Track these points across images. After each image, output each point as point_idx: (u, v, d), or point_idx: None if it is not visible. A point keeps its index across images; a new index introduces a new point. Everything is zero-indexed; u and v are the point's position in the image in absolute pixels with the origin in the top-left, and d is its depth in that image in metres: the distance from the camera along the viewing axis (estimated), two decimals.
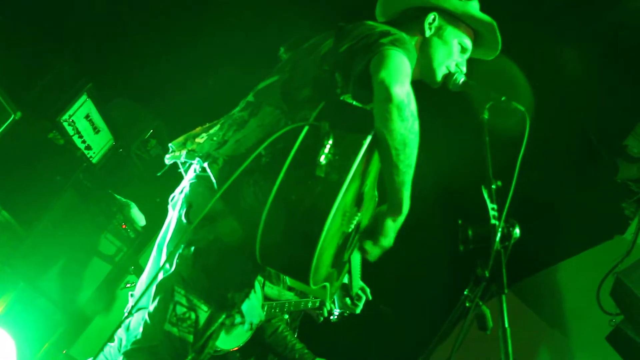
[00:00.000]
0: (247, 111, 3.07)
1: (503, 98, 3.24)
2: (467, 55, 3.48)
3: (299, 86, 2.99)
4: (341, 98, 3.00)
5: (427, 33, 3.39)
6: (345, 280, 3.65)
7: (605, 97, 6.27)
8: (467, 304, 2.87)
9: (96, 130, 5.73)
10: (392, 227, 3.00)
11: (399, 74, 2.78)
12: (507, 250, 3.00)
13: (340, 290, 3.87)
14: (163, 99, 6.35)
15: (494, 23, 3.43)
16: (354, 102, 3.03)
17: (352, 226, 2.96)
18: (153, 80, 6.26)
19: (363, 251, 3.04)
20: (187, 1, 6.07)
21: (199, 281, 2.91)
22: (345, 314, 4.10)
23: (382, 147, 2.83)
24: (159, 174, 3.04)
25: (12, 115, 4.71)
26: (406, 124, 2.78)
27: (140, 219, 6.16)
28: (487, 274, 2.89)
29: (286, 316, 6.07)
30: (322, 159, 2.64)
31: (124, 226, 6.01)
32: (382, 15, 3.51)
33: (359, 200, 2.96)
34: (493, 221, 2.99)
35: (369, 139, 2.76)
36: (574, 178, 6.64)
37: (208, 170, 2.96)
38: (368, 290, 3.99)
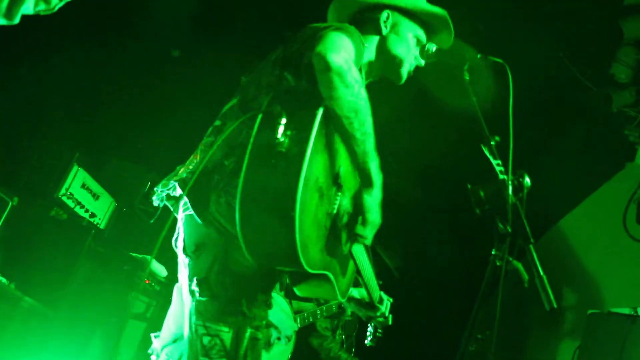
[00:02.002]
0: (214, 134, 3.10)
1: (479, 55, 3.24)
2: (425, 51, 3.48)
3: (255, 96, 3.01)
4: None
5: (384, 31, 3.41)
6: (357, 294, 3.71)
7: (577, 29, 6.25)
8: (498, 263, 2.86)
9: (96, 196, 5.74)
10: (370, 202, 2.95)
11: (334, 45, 2.81)
12: (522, 201, 3.00)
13: (361, 308, 3.90)
14: (152, 152, 6.36)
15: (446, 14, 3.45)
16: None
17: (335, 206, 2.95)
18: (139, 137, 6.27)
19: (356, 236, 3.02)
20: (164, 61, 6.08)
21: (209, 306, 2.92)
22: (379, 334, 4.03)
23: (335, 120, 2.83)
24: (151, 221, 3.04)
25: (10, 202, 4.72)
26: (351, 90, 2.79)
27: (160, 270, 6.16)
28: (509, 229, 2.89)
29: (338, 337, 6.10)
30: (280, 136, 2.66)
31: (147, 282, 6.01)
32: (336, 21, 3.53)
33: (335, 179, 2.95)
34: (501, 176, 2.99)
35: (321, 109, 2.76)
36: (570, 119, 6.62)
37: (179, 190, 3.00)
38: (391, 299, 3.96)
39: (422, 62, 3.45)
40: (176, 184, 3.05)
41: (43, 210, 5.33)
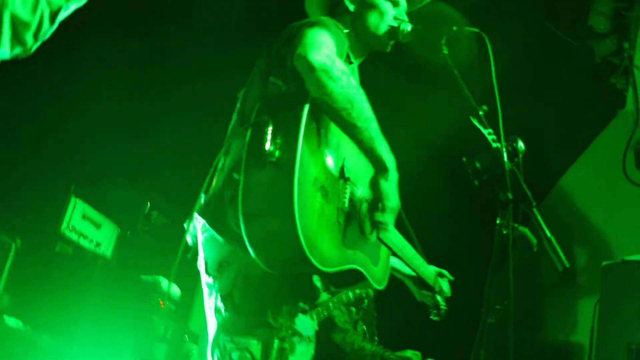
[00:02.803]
0: (223, 155, 3.10)
1: (454, 28, 3.25)
2: (402, 6, 3.47)
3: (251, 108, 3.01)
4: None
5: (352, 7, 3.41)
6: (404, 270, 3.71)
7: None
8: (504, 232, 2.86)
9: (98, 225, 5.74)
10: (387, 187, 2.94)
11: (312, 43, 2.81)
12: (519, 166, 3.00)
13: (415, 286, 3.88)
14: (148, 171, 6.35)
15: None
16: None
17: (346, 199, 2.95)
18: (132, 157, 6.25)
19: (376, 224, 3.02)
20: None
21: (235, 321, 2.93)
22: (443, 307, 3.99)
23: (332, 114, 2.84)
24: (189, 256, 3.08)
25: (13, 244, 4.72)
26: (340, 82, 2.78)
27: (174, 290, 6.16)
28: (510, 196, 2.89)
29: (359, 328, 6.10)
30: (268, 146, 2.66)
31: (162, 303, 6.00)
32: (314, 15, 3.54)
33: (341, 173, 2.95)
34: (494, 145, 2.99)
35: (306, 107, 2.76)
36: (555, 77, 6.60)
37: (197, 216, 3.01)
38: (446, 272, 3.95)
39: (408, 27, 3.39)
40: (196, 214, 3.04)
41: (47, 248, 5.33)
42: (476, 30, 3.21)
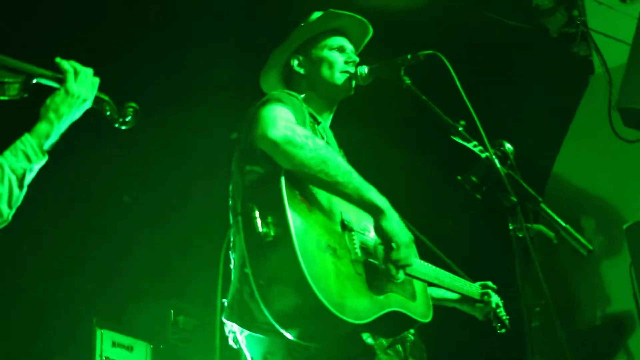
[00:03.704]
0: (231, 252, 3.11)
1: (409, 56, 3.27)
2: (349, 49, 3.51)
3: (237, 201, 3.04)
4: None
5: (303, 70, 3.47)
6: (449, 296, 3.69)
7: None
8: (520, 235, 2.86)
9: (130, 348, 5.72)
10: (391, 226, 2.91)
11: (268, 121, 2.86)
12: (513, 167, 3.01)
13: (467, 306, 3.86)
14: (161, 279, 6.34)
15: (331, 10, 3.45)
16: None
17: (357, 250, 2.94)
18: (142, 270, 6.25)
19: (395, 262, 3.01)
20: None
21: None
22: (505, 317, 3.98)
23: (312, 180, 2.87)
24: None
25: None
26: (308, 147, 2.82)
27: None
28: (514, 199, 2.89)
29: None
30: (260, 228, 2.68)
31: None
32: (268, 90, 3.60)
33: (342, 226, 2.94)
34: (483, 155, 3.01)
35: (282, 180, 2.78)
36: (517, 66, 6.64)
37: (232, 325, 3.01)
38: (488, 282, 3.92)
39: (365, 70, 3.40)
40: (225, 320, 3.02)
41: None
42: (430, 52, 3.24)
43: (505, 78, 6.51)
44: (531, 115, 6.48)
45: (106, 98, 2.85)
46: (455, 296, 3.76)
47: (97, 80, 2.77)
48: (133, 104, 2.87)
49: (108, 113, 2.85)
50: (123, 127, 2.86)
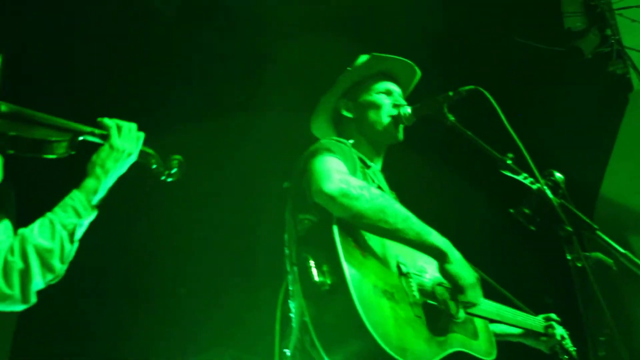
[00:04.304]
0: (291, 302, 3.12)
1: (450, 93, 3.26)
2: (396, 92, 3.55)
3: (292, 251, 3.06)
4: None
5: (352, 115, 3.51)
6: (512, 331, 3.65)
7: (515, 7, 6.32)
8: (579, 264, 2.83)
9: None
10: (454, 269, 2.92)
11: (322, 175, 2.88)
12: (566, 196, 3.00)
13: (532, 340, 3.80)
14: (222, 328, 6.35)
15: (374, 54, 3.50)
16: None
17: (415, 292, 2.94)
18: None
19: (465, 304, 3.00)
20: None
21: None
22: (572, 349, 3.93)
23: (371, 229, 2.88)
24: None
25: None
26: (364, 198, 2.84)
27: None
28: (569, 229, 2.87)
29: None
30: (316, 277, 2.70)
31: None
32: (318, 134, 3.67)
33: (399, 271, 2.95)
34: (534, 186, 3.00)
35: (335, 228, 2.80)
36: (555, 90, 6.59)
37: None
38: (552, 315, 3.88)
39: (408, 110, 3.43)
40: None
41: None
42: (471, 87, 3.24)
43: (543, 104, 6.48)
44: (574, 138, 6.42)
45: (151, 152, 2.90)
46: (518, 331, 3.71)
47: (141, 134, 2.83)
48: (178, 156, 2.92)
49: (154, 166, 2.91)
50: (169, 180, 2.92)
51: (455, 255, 2.93)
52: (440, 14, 5.55)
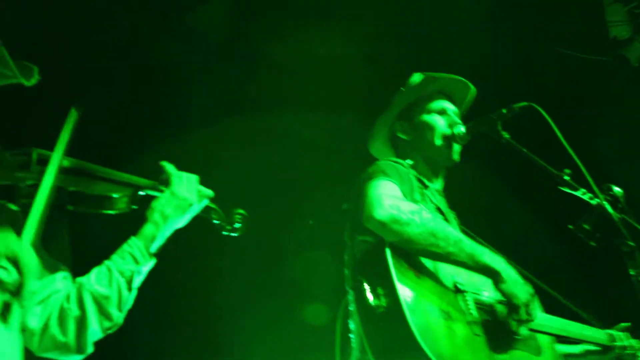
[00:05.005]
0: (350, 320, 3.13)
1: (504, 110, 3.24)
2: (451, 111, 3.54)
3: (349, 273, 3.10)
4: None
5: (408, 137, 3.52)
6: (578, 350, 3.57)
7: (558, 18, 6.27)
8: None
9: None
10: (508, 287, 2.90)
11: (373, 201, 2.88)
12: (625, 211, 2.98)
13: (602, 355, 3.66)
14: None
15: (427, 74, 3.50)
16: None
17: (472, 311, 2.93)
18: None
19: (522, 322, 2.98)
20: None
21: None
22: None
23: (422, 253, 2.89)
24: None
25: None
26: (415, 223, 2.84)
27: None
28: (631, 243, 2.85)
29: None
30: (371, 300, 2.74)
31: None
32: (377, 156, 3.67)
33: (455, 290, 2.95)
34: (594, 201, 2.98)
35: (387, 252, 2.81)
36: (604, 101, 6.50)
37: None
38: (623, 324, 3.80)
39: (462, 129, 3.42)
40: None
41: None
42: (525, 103, 3.21)
43: (592, 115, 6.40)
44: (630, 151, 6.33)
45: (213, 206, 2.83)
46: (584, 348, 3.63)
47: (207, 191, 2.77)
48: (241, 210, 2.85)
49: (216, 222, 2.84)
50: (233, 234, 2.85)
51: (508, 274, 2.92)
52: (488, 32, 5.51)
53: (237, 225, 2.82)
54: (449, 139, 3.43)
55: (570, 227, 3.00)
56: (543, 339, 3.24)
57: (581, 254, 4.66)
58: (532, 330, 3.07)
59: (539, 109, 3.15)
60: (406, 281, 2.78)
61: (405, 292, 2.72)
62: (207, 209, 2.79)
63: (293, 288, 5.58)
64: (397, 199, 2.94)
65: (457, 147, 3.45)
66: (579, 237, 3.00)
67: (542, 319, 3.22)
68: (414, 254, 2.91)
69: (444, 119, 3.48)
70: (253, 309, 5.59)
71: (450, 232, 2.92)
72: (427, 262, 2.95)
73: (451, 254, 2.87)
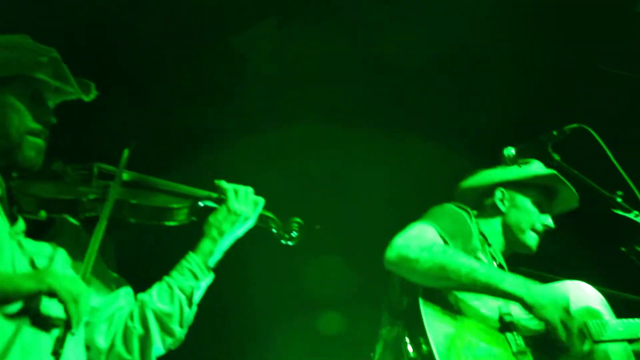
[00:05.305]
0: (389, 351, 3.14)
1: (554, 132, 3.20)
2: (547, 211, 3.52)
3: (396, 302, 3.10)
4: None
5: (503, 208, 3.47)
6: None
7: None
8: None
9: None
10: (537, 311, 2.84)
11: (390, 244, 2.90)
12: None
13: None
14: None
15: (556, 173, 3.43)
16: None
17: (520, 341, 2.90)
18: None
19: (569, 343, 2.95)
20: None
21: None
22: None
23: (442, 288, 2.87)
24: None
25: None
26: (422, 258, 2.82)
27: None
28: None
29: None
30: (412, 353, 2.74)
31: None
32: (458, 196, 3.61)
33: (501, 320, 2.93)
34: None
35: (419, 298, 2.81)
36: None
37: None
38: None
39: (551, 224, 3.46)
40: None
41: None
42: (575, 125, 3.18)
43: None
44: None
45: (271, 215, 2.84)
46: None
47: (261, 200, 2.79)
48: (297, 219, 2.85)
49: (274, 231, 2.85)
50: (290, 243, 2.86)
51: (533, 298, 2.84)
52: (537, 53, 5.48)
53: (294, 234, 2.84)
54: (536, 238, 3.45)
55: (623, 249, 2.99)
56: (613, 347, 3.16)
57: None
58: (596, 341, 3.03)
59: (590, 130, 3.14)
60: (441, 322, 2.79)
61: (438, 339, 2.72)
62: (265, 219, 2.82)
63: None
64: (411, 238, 2.93)
65: (538, 241, 3.46)
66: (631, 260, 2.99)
67: (613, 325, 3.17)
68: (452, 293, 2.91)
69: (541, 217, 3.47)
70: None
71: (463, 264, 2.85)
72: (469, 297, 2.94)
73: (464, 286, 2.85)
